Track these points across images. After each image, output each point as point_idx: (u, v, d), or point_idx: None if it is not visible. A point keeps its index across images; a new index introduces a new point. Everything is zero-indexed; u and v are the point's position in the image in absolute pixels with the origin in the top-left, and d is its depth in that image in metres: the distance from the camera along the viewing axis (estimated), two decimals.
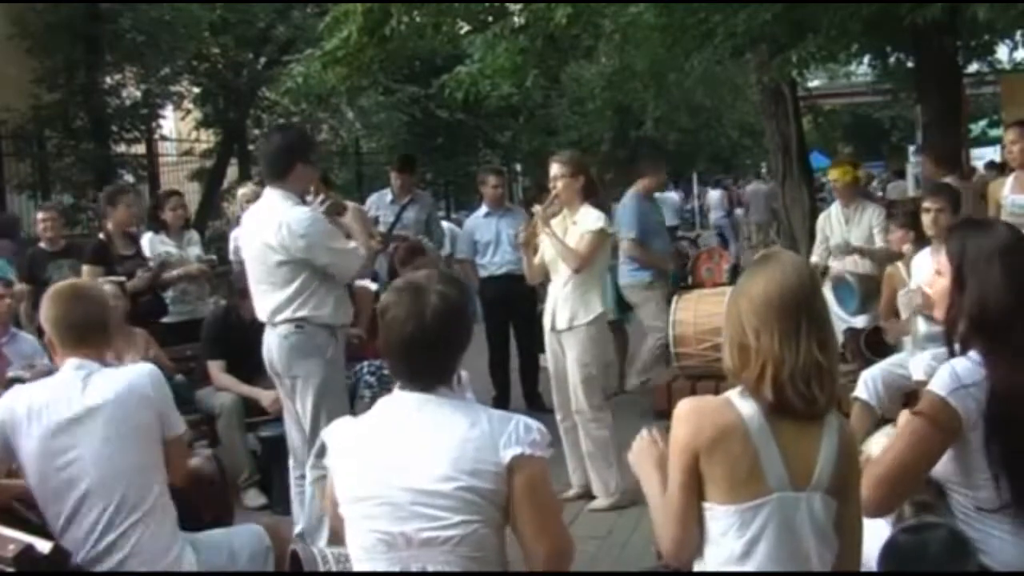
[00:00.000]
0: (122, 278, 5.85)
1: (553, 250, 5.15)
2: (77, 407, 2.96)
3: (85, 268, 6.26)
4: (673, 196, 19.53)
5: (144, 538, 2.94)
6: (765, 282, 2.24)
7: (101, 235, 6.57)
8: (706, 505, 2.21)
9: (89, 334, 3.08)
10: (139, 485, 2.96)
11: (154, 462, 3.03)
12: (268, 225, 4.23)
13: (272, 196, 4.32)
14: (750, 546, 2.17)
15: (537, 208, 5.29)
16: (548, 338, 5.29)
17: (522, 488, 2.27)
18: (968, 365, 2.40)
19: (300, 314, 4.26)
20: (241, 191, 7.49)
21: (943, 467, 2.46)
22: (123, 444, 2.95)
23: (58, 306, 3.08)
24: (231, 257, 7.10)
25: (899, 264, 5.47)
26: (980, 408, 2.35)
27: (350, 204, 4.64)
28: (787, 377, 2.17)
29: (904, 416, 2.56)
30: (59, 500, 2.94)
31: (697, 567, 2.27)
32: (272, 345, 4.35)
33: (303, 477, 4.43)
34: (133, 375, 3.09)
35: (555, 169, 5.19)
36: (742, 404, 2.21)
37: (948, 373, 2.39)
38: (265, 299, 4.34)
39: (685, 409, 2.24)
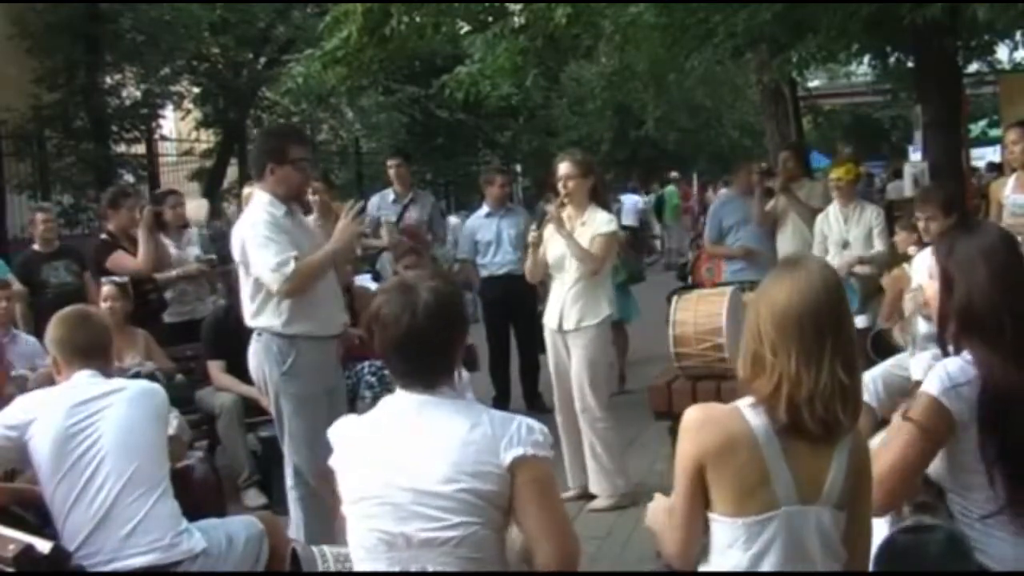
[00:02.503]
0: (124, 279, 5.84)
1: (560, 249, 5.13)
2: (100, 389, 3.17)
3: (110, 260, 6.13)
4: (634, 198, 19.79)
5: (152, 513, 3.03)
6: (788, 292, 2.16)
7: (104, 235, 6.53)
8: (712, 516, 2.17)
9: (96, 353, 3.28)
10: (151, 463, 3.10)
11: (163, 447, 3.22)
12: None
13: (253, 196, 4.36)
14: (756, 560, 2.14)
15: (551, 208, 5.24)
16: (552, 338, 5.27)
17: (526, 490, 2.26)
18: (960, 364, 2.40)
19: (257, 321, 4.21)
20: (245, 191, 7.47)
21: (938, 469, 2.46)
22: (141, 422, 3.14)
23: (66, 331, 3.29)
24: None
25: (905, 266, 5.46)
26: (972, 407, 2.34)
27: (340, 223, 4.36)
28: (804, 399, 2.10)
29: (897, 416, 2.56)
30: (72, 475, 3.02)
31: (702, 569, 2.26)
32: (249, 350, 4.33)
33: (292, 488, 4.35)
34: (147, 384, 3.45)
35: (567, 169, 5.17)
36: (752, 416, 2.15)
37: (940, 373, 2.38)
38: (242, 303, 4.34)
39: (692, 418, 2.18)
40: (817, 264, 2.29)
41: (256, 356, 4.25)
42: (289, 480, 4.30)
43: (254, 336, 4.26)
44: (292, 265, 4.03)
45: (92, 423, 3.06)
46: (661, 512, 2.40)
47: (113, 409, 3.10)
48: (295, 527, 4.28)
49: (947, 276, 2.50)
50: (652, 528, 2.45)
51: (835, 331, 2.14)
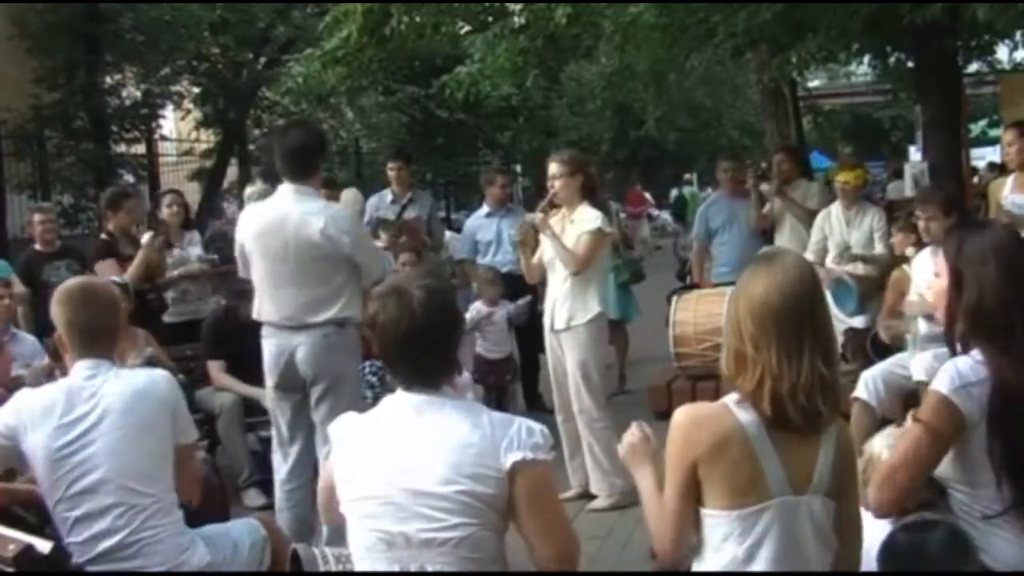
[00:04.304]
0: (125, 278, 5.84)
1: (552, 249, 5.15)
2: (90, 406, 2.95)
3: (98, 265, 6.17)
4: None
5: (156, 536, 2.94)
6: (765, 286, 2.19)
7: (103, 235, 6.54)
8: (706, 511, 2.20)
9: (100, 337, 3.07)
10: (150, 484, 2.95)
11: (164, 463, 3.02)
12: (307, 222, 4.10)
13: (299, 192, 4.18)
14: (752, 551, 2.17)
15: (529, 215, 5.32)
16: (548, 338, 5.28)
17: (525, 493, 2.27)
18: (970, 363, 2.39)
19: (345, 313, 4.15)
20: (249, 190, 7.47)
21: (945, 467, 2.46)
22: (135, 443, 2.94)
23: (68, 309, 3.05)
24: (237, 255, 7.09)
25: (905, 267, 5.47)
26: (982, 406, 2.34)
27: None
28: (787, 392, 2.14)
29: (911, 418, 2.55)
30: (71, 499, 2.91)
31: (696, 569, 2.27)
32: (304, 346, 4.17)
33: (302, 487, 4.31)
34: (147, 378, 3.10)
35: (553, 168, 5.19)
36: (740, 412, 2.18)
37: (950, 372, 2.39)
38: (295, 299, 4.17)
39: (682, 419, 2.21)
40: (792, 258, 2.32)
41: (338, 350, 4.17)
42: None
43: (328, 331, 4.15)
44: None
45: (83, 447, 2.89)
46: (627, 446, 2.44)
47: (103, 436, 2.91)
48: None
49: (957, 274, 2.49)
50: (625, 460, 2.46)
51: (812, 323, 2.18)
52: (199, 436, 5.23)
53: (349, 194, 7.98)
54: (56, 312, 3.07)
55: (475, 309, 6.72)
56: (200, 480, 3.34)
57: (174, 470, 3.05)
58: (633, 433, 2.47)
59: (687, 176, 23.93)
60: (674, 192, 30.50)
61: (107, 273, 6.04)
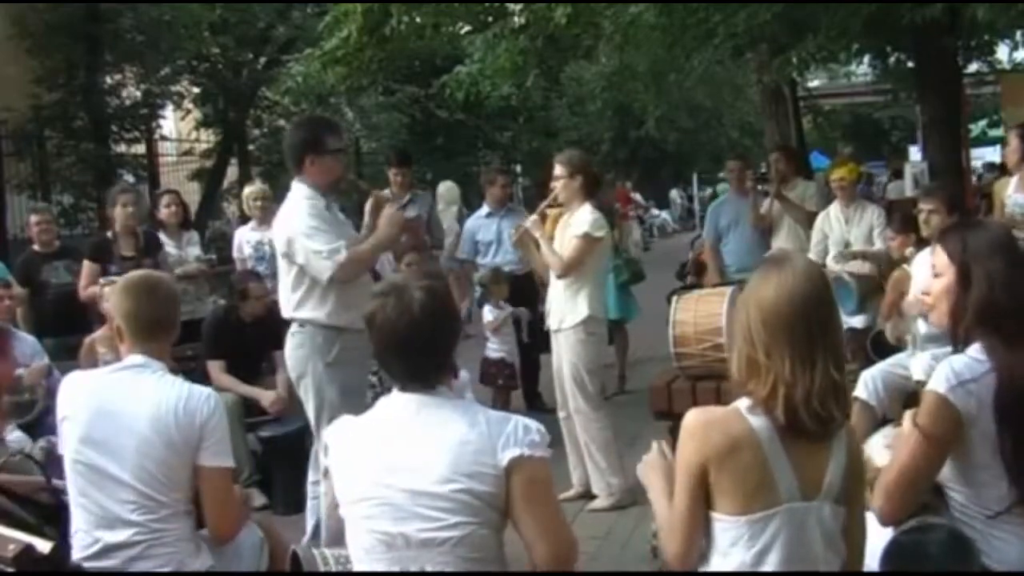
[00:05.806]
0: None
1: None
2: (127, 402, 2.95)
3: (85, 264, 6.23)
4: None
5: (162, 540, 2.93)
6: (776, 291, 2.17)
7: (108, 233, 6.56)
8: (715, 515, 2.19)
9: (156, 329, 3.08)
10: (165, 493, 2.93)
11: (183, 476, 2.96)
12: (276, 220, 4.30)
13: (292, 187, 4.32)
14: (760, 557, 2.15)
15: (524, 214, 5.36)
16: (552, 338, 5.30)
17: (522, 489, 2.26)
18: (966, 361, 2.38)
19: (300, 313, 4.21)
20: (248, 189, 7.47)
21: (944, 468, 2.45)
22: (155, 451, 2.91)
23: (129, 300, 3.07)
24: (235, 255, 7.10)
25: (905, 267, 5.46)
26: (981, 403, 2.33)
27: (386, 211, 4.35)
28: (801, 399, 2.12)
29: (908, 421, 2.54)
30: (89, 486, 2.93)
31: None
32: (286, 344, 4.33)
33: (318, 483, 4.27)
34: (186, 391, 3.00)
35: (555, 170, 5.23)
36: (752, 417, 2.17)
37: (946, 371, 2.37)
38: (280, 296, 4.36)
39: (693, 422, 2.20)
40: (802, 263, 2.30)
41: (300, 348, 4.23)
42: (311, 463, 4.25)
43: (294, 328, 4.26)
44: (344, 253, 4.08)
45: (111, 440, 2.91)
46: (651, 468, 2.44)
47: (130, 431, 2.91)
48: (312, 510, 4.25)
49: (964, 269, 2.47)
50: (641, 476, 2.47)
51: (824, 330, 2.17)
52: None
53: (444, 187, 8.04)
54: (116, 302, 3.11)
55: (491, 312, 6.73)
56: (238, 514, 3.17)
57: (200, 492, 2.99)
58: (653, 450, 2.47)
59: (722, 173, 23.85)
60: (675, 194, 30.47)
61: (87, 275, 6.08)
